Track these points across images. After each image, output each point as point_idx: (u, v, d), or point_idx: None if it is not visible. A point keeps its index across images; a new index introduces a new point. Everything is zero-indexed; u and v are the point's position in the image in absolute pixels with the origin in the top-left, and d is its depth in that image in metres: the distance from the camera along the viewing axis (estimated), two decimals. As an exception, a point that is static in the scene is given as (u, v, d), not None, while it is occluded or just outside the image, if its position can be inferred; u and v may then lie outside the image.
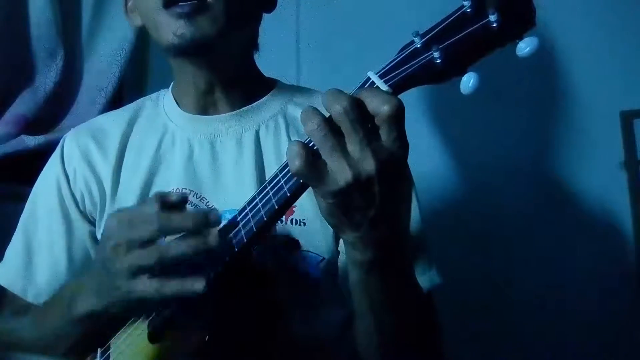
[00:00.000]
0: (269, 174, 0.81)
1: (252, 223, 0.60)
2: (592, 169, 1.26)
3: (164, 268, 0.60)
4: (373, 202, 0.54)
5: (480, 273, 1.28)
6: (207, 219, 0.60)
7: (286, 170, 0.58)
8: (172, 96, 0.90)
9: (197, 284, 0.59)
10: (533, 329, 1.25)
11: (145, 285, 0.60)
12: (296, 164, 0.52)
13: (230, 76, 0.85)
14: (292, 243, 0.78)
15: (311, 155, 0.52)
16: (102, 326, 0.72)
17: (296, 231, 0.79)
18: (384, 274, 0.62)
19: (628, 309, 1.20)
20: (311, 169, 0.52)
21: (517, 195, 1.30)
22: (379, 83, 0.52)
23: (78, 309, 0.69)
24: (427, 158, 1.36)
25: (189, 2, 0.74)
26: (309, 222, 0.79)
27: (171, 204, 0.61)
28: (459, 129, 1.36)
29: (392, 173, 0.53)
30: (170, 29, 0.75)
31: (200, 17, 0.75)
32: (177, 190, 0.82)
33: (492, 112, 1.31)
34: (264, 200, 0.59)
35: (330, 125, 0.51)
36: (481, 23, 0.47)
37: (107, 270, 0.62)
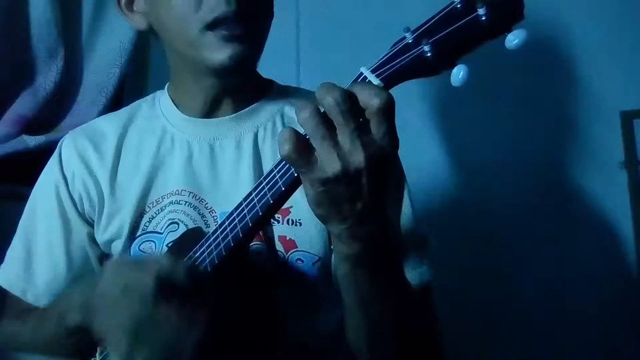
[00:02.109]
0: None
1: (247, 218, 0.61)
2: (592, 169, 1.26)
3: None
4: (360, 195, 0.54)
5: (479, 273, 1.28)
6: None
7: (281, 165, 0.58)
8: (169, 98, 0.90)
9: None
10: (533, 328, 1.25)
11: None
12: (285, 148, 0.52)
13: (242, 84, 0.86)
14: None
15: (302, 142, 0.53)
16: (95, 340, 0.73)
17: (292, 231, 0.80)
18: (371, 268, 0.62)
19: (628, 308, 1.20)
20: (300, 154, 0.53)
21: (517, 195, 1.30)
22: (371, 77, 0.53)
23: (69, 322, 0.70)
24: (427, 157, 1.36)
25: (238, 24, 0.75)
26: (304, 222, 0.80)
27: (165, 277, 0.61)
28: (458, 128, 1.36)
29: (381, 167, 0.54)
30: (224, 51, 0.75)
31: (249, 37, 0.76)
32: (176, 192, 0.83)
33: (492, 112, 1.32)
34: (259, 196, 0.60)
35: (323, 116, 0.52)
36: (470, 17, 0.48)
37: (96, 316, 0.65)
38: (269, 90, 0.90)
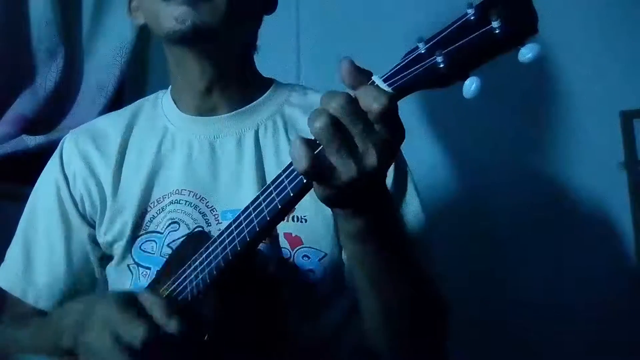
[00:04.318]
0: (268, 174, 0.82)
1: (255, 222, 0.61)
2: (592, 169, 1.26)
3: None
4: (372, 187, 0.56)
5: (480, 273, 1.28)
6: None
7: (289, 171, 0.58)
8: (170, 97, 0.90)
9: None
10: (532, 328, 1.25)
11: None
12: (303, 165, 0.52)
13: (229, 74, 0.85)
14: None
15: (316, 153, 0.53)
16: None
17: (298, 228, 0.79)
18: (376, 243, 0.63)
19: (628, 308, 1.20)
20: (318, 168, 0.53)
21: (517, 195, 1.30)
22: (383, 86, 0.53)
23: (63, 343, 0.70)
24: (426, 158, 1.36)
25: None
26: (309, 219, 0.80)
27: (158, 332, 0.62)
28: (458, 129, 1.36)
29: (392, 160, 0.55)
30: (172, 14, 0.76)
31: (201, 4, 0.76)
32: (177, 191, 0.82)
33: (492, 112, 1.32)
34: (267, 201, 0.60)
35: (335, 124, 0.52)
36: (484, 29, 0.48)
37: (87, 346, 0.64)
38: (268, 88, 0.90)
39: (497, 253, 1.29)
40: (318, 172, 0.53)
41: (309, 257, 0.80)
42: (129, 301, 0.64)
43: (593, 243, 1.24)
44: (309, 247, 0.79)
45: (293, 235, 0.80)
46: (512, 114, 1.32)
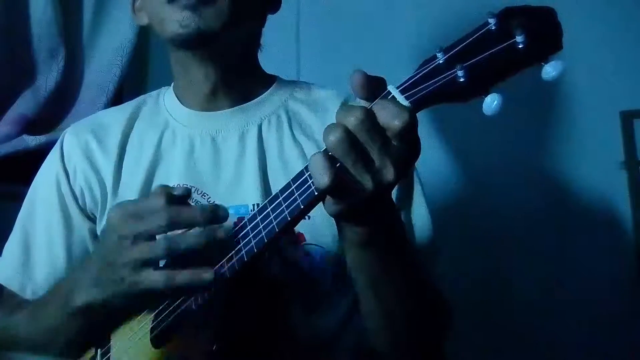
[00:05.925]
0: (271, 169, 0.82)
1: (263, 234, 0.60)
2: (592, 169, 1.27)
3: (170, 262, 0.61)
4: (381, 199, 0.56)
5: (481, 272, 1.28)
6: (216, 213, 0.61)
7: (300, 182, 0.57)
8: (173, 93, 0.90)
9: (207, 275, 0.59)
10: (533, 328, 1.25)
11: (153, 277, 0.60)
12: (326, 181, 0.51)
13: (233, 73, 0.85)
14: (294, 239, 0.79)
15: (338, 169, 0.52)
16: (99, 321, 0.72)
17: (301, 224, 0.79)
18: (377, 248, 0.63)
19: (628, 308, 1.20)
20: (339, 184, 0.52)
21: (518, 195, 1.30)
22: (400, 99, 0.51)
23: (76, 301, 0.67)
24: (429, 158, 1.35)
25: None
26: (313, 216, 0.78)
27: (176, 198, 0.62)
28: (459, 129, 1.36)
29: (406, 174, 0.55)
30: (176, 19, 0.76)
31: (205, 8, 0.76)
32: (178, 186, 0.82)
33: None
34: (276, 212, 0.59)
35: (351, 137, 0.51)
36: (507, 43, 0.46)
37: (110, 263, 0.62)
38: (271, 84, 0.90)
39: (497, 252, 1.29)
40: (339, 188, 0.52)
41: (311, 254, 0.79)
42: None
43: (593, 243, 1.25)
44: (312, 244, 0.79)
45: (296, 232, 0.79)
46: (512, 115, 1.31)
